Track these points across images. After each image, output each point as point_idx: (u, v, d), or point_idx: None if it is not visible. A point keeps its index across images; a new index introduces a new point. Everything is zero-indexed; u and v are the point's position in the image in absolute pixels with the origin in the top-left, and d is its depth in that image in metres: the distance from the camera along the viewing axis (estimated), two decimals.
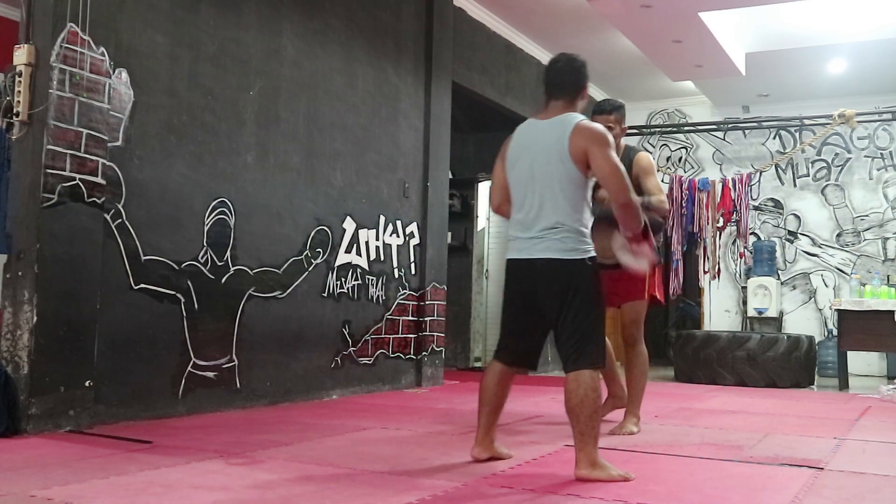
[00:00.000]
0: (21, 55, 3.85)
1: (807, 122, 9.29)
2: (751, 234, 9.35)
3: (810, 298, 9.75)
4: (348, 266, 5.78)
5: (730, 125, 9.74)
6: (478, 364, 8.82)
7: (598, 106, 4.73)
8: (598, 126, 3.22)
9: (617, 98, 4.83)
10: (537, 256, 3.14)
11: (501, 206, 3.40)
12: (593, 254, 3.19)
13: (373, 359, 5.98)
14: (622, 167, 3.19)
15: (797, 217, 9.90)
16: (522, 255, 3.21)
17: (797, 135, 9.85)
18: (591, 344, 3.09)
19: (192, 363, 4.52)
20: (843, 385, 7.43)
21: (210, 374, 4.63)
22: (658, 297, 4.59)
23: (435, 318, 6.65)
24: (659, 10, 7.06)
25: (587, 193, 3.24)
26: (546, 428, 4.37)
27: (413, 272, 6.50)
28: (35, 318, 3.74)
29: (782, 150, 9.91)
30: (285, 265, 5.20)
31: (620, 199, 3.16)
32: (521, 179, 3.25)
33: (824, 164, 9.85)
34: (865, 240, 9.59)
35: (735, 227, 8.82)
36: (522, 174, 3.25)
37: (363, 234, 5.94)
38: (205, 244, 4.63)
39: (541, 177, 3.17)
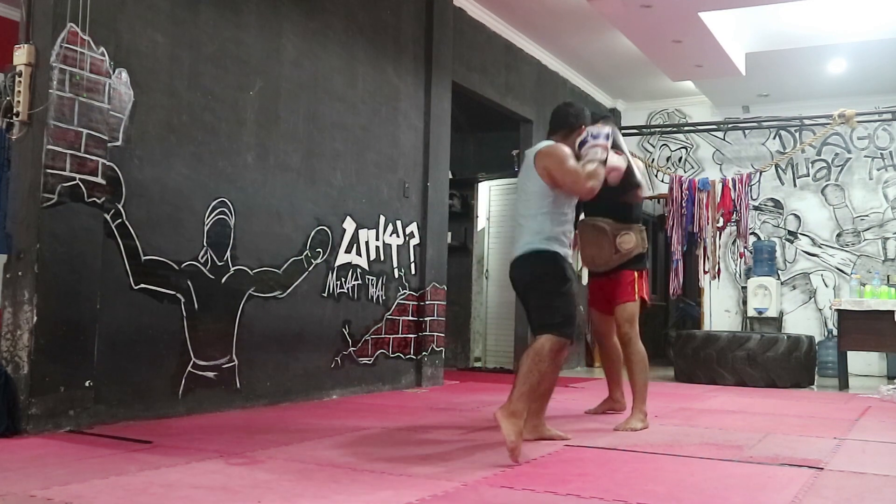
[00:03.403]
0: (21, 55, 3.84)
1: (807, 122, 9.29)
2: (751, 234, 9.34)
3: (810, 298, 9.75)
4: (348, 266, 5.78)
5: (730, 125, 9.74)
6: (478, 364, 8.81)
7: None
8: (551, 144, 3.87)
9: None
10: (518, 253, 3.86)
11: None
12: (563, 252, 3.78)
13: (373, 359, 5.98)
14: (573, 166, 3.73)
15: (797, 217, 9.90)
16: (514, 254, 3.91)
17: (797, 135, 9.84)
18: (554, 316, 3.66)
19: (192, 363, 4.52)
20: (843, 385, 7.43)
21: (210, 374, 4.63)
22: (646, 300, 4.65)
23: (435, 318, 6.65)
24: (659, 10, 7.05)
25: (558, 204, 3.79)
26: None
27: (413, 272, 6.50)
28: (35, 318, 3.73)
29: (782, 150, 9.91)
30: (285, 265, 5.20)
31: (583, 190, 3.74)
32: (518, 192, 4.01)
33: (824, 164, 9.84)
34: (865, 240, 9.58)
35: (735, 227, 8.82)
36: (519, 188, 4.02)
37: (363, 234, 5.94)
38: (205, 244, 4.63)
39: (522, 191, 3.93)
